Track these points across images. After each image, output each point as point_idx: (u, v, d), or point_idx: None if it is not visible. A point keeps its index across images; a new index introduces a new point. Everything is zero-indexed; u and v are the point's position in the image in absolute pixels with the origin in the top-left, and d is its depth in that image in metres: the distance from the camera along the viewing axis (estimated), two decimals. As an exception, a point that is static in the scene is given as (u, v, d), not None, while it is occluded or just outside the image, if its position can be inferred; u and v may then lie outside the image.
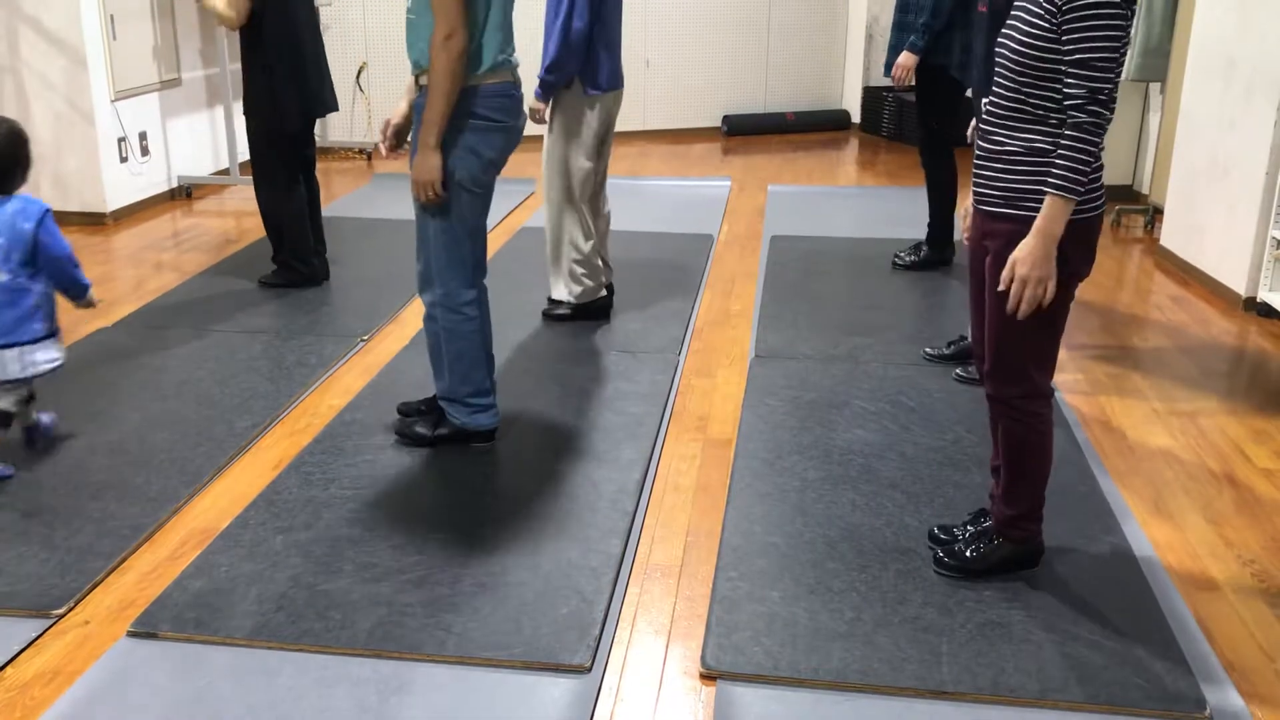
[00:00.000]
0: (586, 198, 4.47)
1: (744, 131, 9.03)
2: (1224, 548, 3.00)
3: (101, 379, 3.99)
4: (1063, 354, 4.34)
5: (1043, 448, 2.73)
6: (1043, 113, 2.46)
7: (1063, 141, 2.39)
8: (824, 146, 8.62)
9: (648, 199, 6.85)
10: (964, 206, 2.85)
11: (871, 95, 9.00)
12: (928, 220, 5.36)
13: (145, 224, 6.20)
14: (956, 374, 4.08)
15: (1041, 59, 2.43)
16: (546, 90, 4.29)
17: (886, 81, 8.97)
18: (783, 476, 3.33)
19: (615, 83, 4.41)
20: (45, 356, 3.32)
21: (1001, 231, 2.54)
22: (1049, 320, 2.57)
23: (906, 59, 5.05)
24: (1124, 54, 2.40)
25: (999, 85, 2.56)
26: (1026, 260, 2.45)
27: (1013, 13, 2.54)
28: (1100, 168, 2.52)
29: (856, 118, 9.22)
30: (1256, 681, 2.46)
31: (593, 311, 4.64)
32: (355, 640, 2.54)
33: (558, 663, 2.48)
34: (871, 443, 3.54)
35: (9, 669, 2.46)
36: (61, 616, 2.65)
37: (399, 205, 6.55)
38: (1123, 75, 6.26)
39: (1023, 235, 2.48)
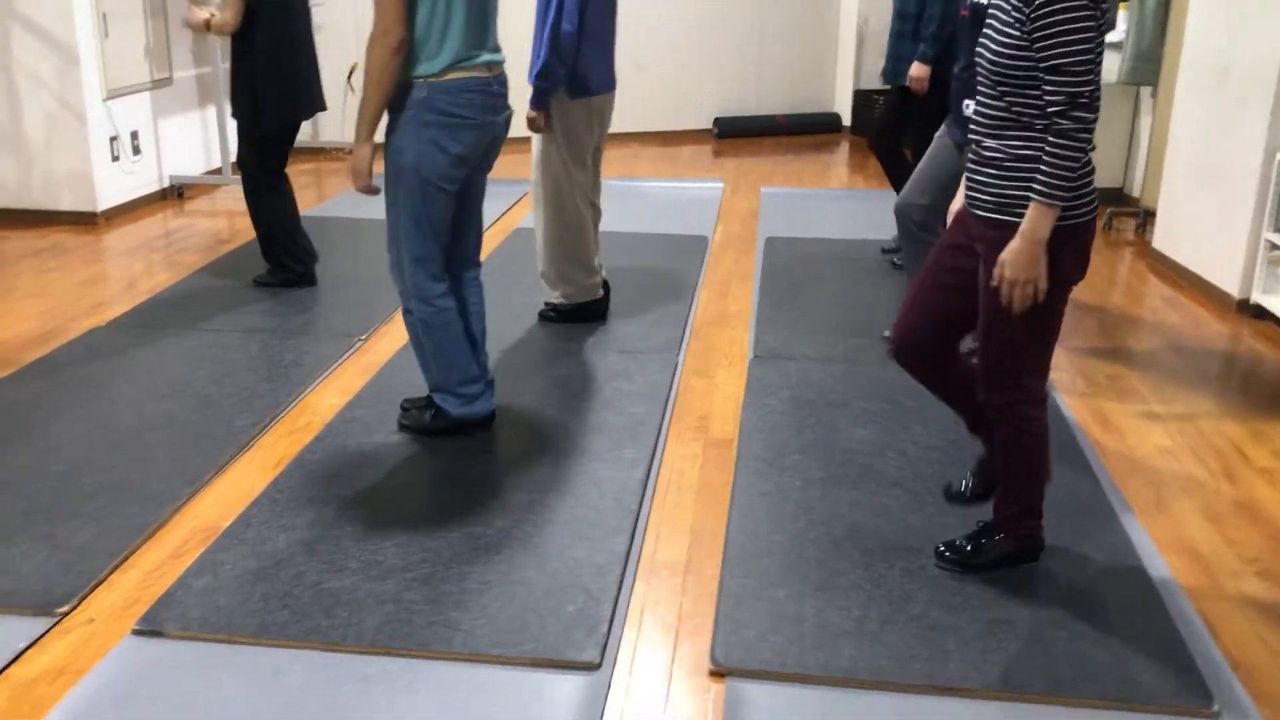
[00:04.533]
0: (577, 201, 4.43)
1: (735, 134, 9.05)
2: (1225, 546, 3.02)
3: (96, 379, 3.97)
4: (1059, 355, 4.36)
5: (1036, 450, 2.72)
6: (1027, 119, 2.47)
7: (1047, 147, 2.40)
8: (815, 149, 8.64)
9: (641, 201, 6.85)
10: (955, 206, 2.84)
11: (862, 98, 9.02)
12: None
13: (137, 223, 6.17)
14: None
15: (1018, 66, 2.44)
16: (540, 97, 4.18)
17: (878, 84, 9.04)
18: (785, 476, 3.34)
19: (606, 86, 4.35)
20: None
21: (991, 238, 2.55)
22: (1041, 326, 2.58)
23: (919, 69, 5.05)
24: (1099, 54, 2.40)
25: (981, 93, 2.57)
26: (1012, 263, 2.46)
27: (987, 20, 2.55)
28: (1090, 171, 2.51)
29: (847, 120, 9.24)
30: (1262, 679, 2.47)
31: (589, 313, 4.63)
32: (362, 638, 2.53)
33: (567, 660, 2.47)
34: (872, 442, 3.55)
35: (14, 667, 2.44)
36: (65, 615, 2.63)
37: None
38: (1116, 77, 6.32)
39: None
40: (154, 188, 6.60)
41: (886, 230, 6.12)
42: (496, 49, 3.37)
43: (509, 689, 2.39)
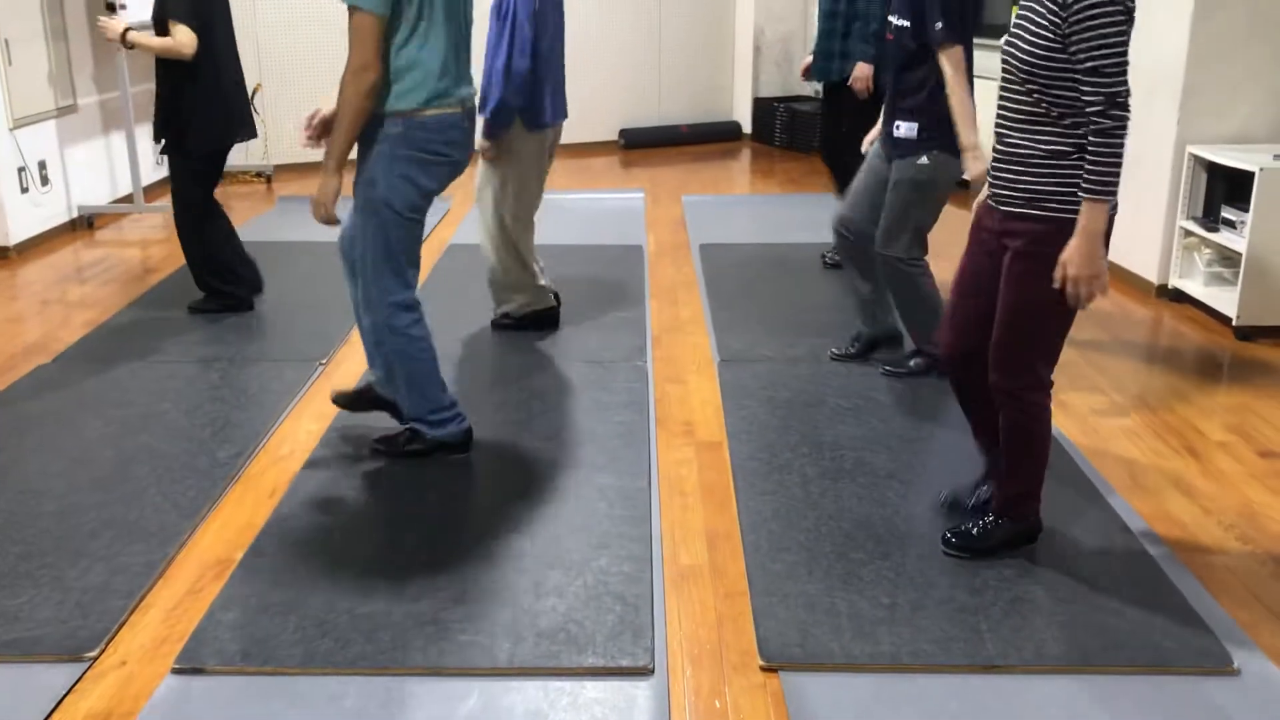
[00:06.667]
0: (519, 224, 4.47)
1: (641, 144, 9.15)
2: (1204, 516, 3.21)
3: (60, 415, 3.83)
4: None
5: (1044, 435, 2.87)
6: (1057, 114, 2.60)
7: (1090, 146, 2.52)
8: (720, 157, 8.80)
9: (567, 213, 6.88)
10: (976, 200, 2.96)
11: (762, 106, 9.22)
12: None
13: (50, 256, 5.95)
14: (884, 368, 4.22)
15: (1049, 64, 2.57)
16: (494, 131, 4.22)
17: (776, 93, 9.26)
18: (783, 474, 3.42)
19: (558, 116, 4.38)
20: None
21: (1023, 231, 2.67)
22: (1061, 317, 2.71)
23: (864, 70, 5.18)
24: (1127, 52, 2.54)
25: (1006, 89, 2.69)
26: (1075, 261, 2.57)
27: (1016, 19, 2.68)
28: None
29: (748, 128, 9.43)
30: (1270, 635, 2.64)
31: (543, 320, 4.66)
32: (411, 660, 2.52)
33: (621, 666, 2.51)
34: (858, 437, 3.66)
35: (55, 716, 2.37)
36: (95, 659, 2.55)
37: (307, 228, 6.44)
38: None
39: (1045, 234, 2.62)
40: (63, 219, 6.37)
41: (813, 233, 6.28)
42: (470, 82, 3.35)
43: (572, 698, 2.41)
